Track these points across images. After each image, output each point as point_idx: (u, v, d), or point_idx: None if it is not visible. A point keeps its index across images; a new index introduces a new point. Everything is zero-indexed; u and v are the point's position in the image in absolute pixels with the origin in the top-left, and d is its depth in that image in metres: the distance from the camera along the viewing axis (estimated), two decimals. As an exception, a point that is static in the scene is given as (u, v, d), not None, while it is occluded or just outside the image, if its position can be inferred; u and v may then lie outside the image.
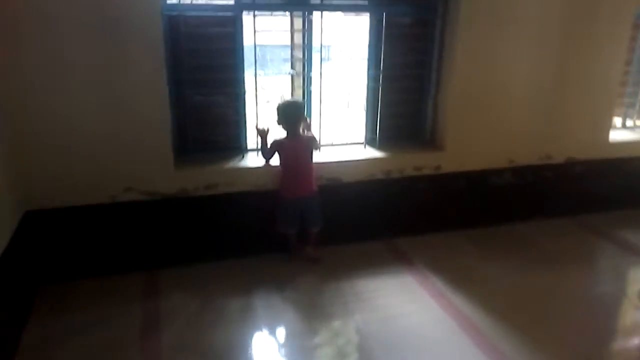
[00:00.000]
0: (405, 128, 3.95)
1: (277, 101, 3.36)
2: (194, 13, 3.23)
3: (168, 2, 3.13)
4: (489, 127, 3.85)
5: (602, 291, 3.40)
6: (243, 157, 3.53)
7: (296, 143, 3.36)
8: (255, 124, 3.42)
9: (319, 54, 3.49)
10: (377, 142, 3.81)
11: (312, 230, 3.54)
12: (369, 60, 3.66)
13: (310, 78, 3.62)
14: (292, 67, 3.94)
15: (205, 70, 3.35)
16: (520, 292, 3.29)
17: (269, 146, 3.38)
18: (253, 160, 3.51)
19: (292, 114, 3.32)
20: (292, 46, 3.86)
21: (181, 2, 3.16)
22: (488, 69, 3.69)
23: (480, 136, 3.85)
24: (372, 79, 3.71)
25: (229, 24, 3.29)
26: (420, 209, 3.93)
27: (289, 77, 3.91)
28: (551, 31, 3.77)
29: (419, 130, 3.98)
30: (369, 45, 3.63)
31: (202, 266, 3.45)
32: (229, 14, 3.28)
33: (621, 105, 4.48)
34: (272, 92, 4.50)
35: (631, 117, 4.61)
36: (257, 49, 3.38)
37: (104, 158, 3.07)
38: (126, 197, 3.19)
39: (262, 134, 3.37)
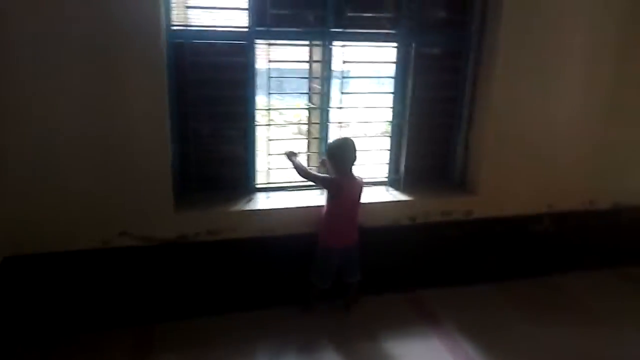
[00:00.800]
0: (433, 169, 3.56)
1: (331, 140, 3.09)
2: (201, 41, 2.92)
3: (173, 28, 2.83)
4: (526, 169, 3.45)
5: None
6: (250, 198, 3.18)
7: (354, 184, 3.02)
8: (285, 150, 3.08)
9: (339, 85, 3.14)
10: (402, 184, 3.43)
11: (351, 281, 3.17)
12: (394, 94, 3.30)
13: (329, 112, 3.27)
14: (310, 99, 3.61)
15: (212, 103, 3.03)
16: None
17: (315, 177, 3.05)
18: (262, 201, 3.15)
19: (346, 152, 2.99)
20: (310, 77, 3.54)
21: (188, 28, 2.85)
22: (527, 105, 3.30)
23: (516, 179, 3.45)
24: (397, 114, 3.35)
25: (240, 53, 2.98)
26: (447, 259, 3.52)
27: (307, 110, 3.58)
28: (600, 64, 3.38)
29: (447, 171, 3.59)
30: (395, 78, 3.27)
31: (202, 321, 3.07)
32: (240, 42, 2.97)
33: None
34: (288, 124, 4.17)
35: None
36: (272, 76, 3.05)
37: (96, 198, 2.75)
38: (120, 242, 2.85)
39: (290, 155, 3.05)
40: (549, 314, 3.33)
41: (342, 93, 3.14)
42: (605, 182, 3.67)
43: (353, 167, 3.03)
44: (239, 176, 3.23)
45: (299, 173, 3.05)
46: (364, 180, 3.11)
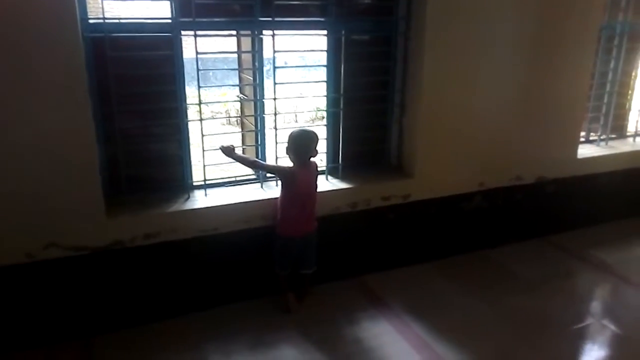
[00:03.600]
0: (370, 155, 3.60)
1: (290, 131, 3.01)
2: (123, 34, 2.75)
3: (90, 21, 2.64)
4: (458, 150, 3.57)
5: (579, 315, 3.19)
6: (188, 197, 3.06)
7: (309, 173, 3.02)
8: (220, 146, 2.96)
9: (272, 75, 3.08)
10: (340, 171, 3.44)
11: (306, 272, 3.17)
12: (327, 82, 3.29)
13: (263, 103, 3.20)
14: (241, 91, 3.52)
15: (139, 100, 2.87)
16: (500, 328, 3.03)
17: (266, 167, 3.07)
18: (201, 200, 3.04)
19: (307, 144, 2.96)
20: (241, 68, 3.45)
21: (107, 21, 2.66)
22: (455, 89, 3.41)
23: (449, 160, 3.56)
24: (332, 102, 3.34)
25: (165, 45, 2.84)
26: (389, 242, 3.59)
27: (239, 102, 3.49)
28: (519, 49, 3.55)
29: (384, 156, 3.64)
30: (327, 66, 3.26)
31: (148, 328, 2.94)
32: (165, 34, 2.82)
33: (585, 119, 4.33)
34: (221, 117, 4.05)
35: (595, 131, 4.48)
36: (201, 68, 2.93)
37: (17, 207, 2.53)
38: (47, 254, 2.65)
39: (229, 151, 2.95)
40: (484, 285, 3.49)
41: (276, 83, 3.07)
42: (529, 158, 3.88)
43: (310, 157, 3.01)
44: (174, 175, 3.09)
45: (246, 166, 2.99)
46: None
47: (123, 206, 2.85)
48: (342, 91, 3.29)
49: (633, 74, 4.55)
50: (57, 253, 2.66)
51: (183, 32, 2.84)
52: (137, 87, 2.84)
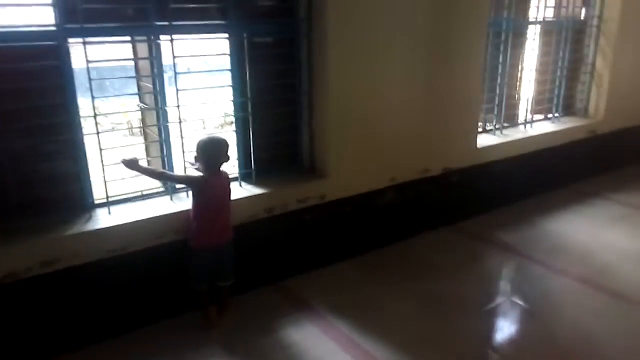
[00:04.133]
0: (282, 159, 3.56)
1: (199, 138, 2.89)
2: (1, 44, 2.48)
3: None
4: (368, 147, 3.64)
5: (491, 295, 3.38)
6: (90, 217, 2.83)
7: (221, 181, 2.90)
8: (123, 159, 2.77)
9: (173, 82, 2.94)
10: (254, 177, 3.36)
11: (225, 285, 3.04)
12: (233, 87, 3.20)
13: (166, 112, 3.05)
14: (142, 100, 3.33)
15: (26, 116, 2.61)
16: (421, 316, 3.13)
17: (174, 178, 2.97)
18: (104, 219, 2.83)
19: (217, 152, 2.86)
20: (139, 76, 3.26)
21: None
22: (361, 88, 3.47)
23: (361, 158, 3.62)
24: (240, 107, 3.26)
25: (51, 55, 2.60)
26: (308, 244, 3.57)
27: (140, 112, 3.30)
28: (418, 45, 3.68)
29: (297, 159, 3.62)
30: (232, 71, 3.17)
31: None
32: (50, 43, 2.59)
33: (481, 111, 4.60)
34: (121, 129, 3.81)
35: (490, 122, 4.78)
36: (93, 78, 2.72)
37: None
38: None
39: (133, 165, 2.77)
40: (402, 276, 3.59)
41: (178, 90, 2.94)
42: (435, 151, 4.06)
43: (222, 166, 2.90)
44: (72, 194, 2.85)
45: (154, 178, 2.84)
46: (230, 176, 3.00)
47: (15, 234, 2.57)
48: (249, 95, 3.22)
49: (520, 67, 4.92)
50: (-63, 294, 2.34)
51: (70, 40, 2.62)
52: (23, 102, 2.59)
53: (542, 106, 5.24)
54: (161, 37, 2.87)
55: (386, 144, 3.72)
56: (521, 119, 5.13)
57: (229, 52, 3.14)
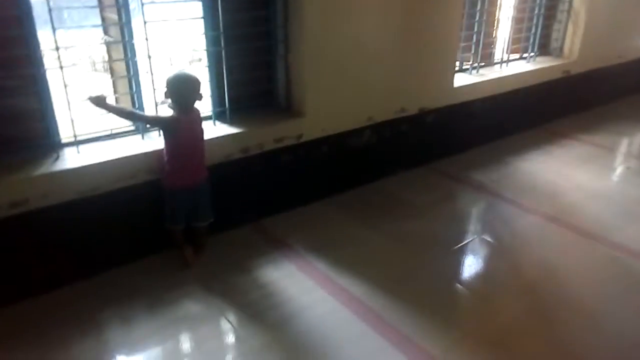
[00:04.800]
0: (257, 96, 3.46)
1: (167, 74, 2.74)
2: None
3: None
4: (346, 85, 3.56)
5: (463, 232, 3.50)
6: (57, 156, 2.72)
7: (192, 120, 2.79)
8: (89, 96, 2.61)
9: (140, 13, 2.75)
10: (228, 116, 3.27)
11: (201, 225, 3.01)
12: (205, 19, 3.03)
13: (133, 45, 2.88)
14: (106, 32, 3.14)
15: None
16: (395, 253, 3.21)
17: (143, 117, 2.83)
18: (73, 158, 2.72)
19: (187, 89, 2.72)
20: (102, 6, 3.05)
21: None
22: (338, 22, 3.34)
23: (338, 97, 3.55)
24: (212, 41, 3.10)
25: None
26: (285, 184, 3.55)
27: (105, 46, 3.11)
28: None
29: (272, 97, 3.52)
30: (202, 1, 2.98)
31: (31, 305, 2.64)
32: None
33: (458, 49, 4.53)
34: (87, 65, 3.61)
35: (467, 61, 4.72)
36: (52, 7, 2.53)
37: None
38: None
39: (100, 102, 2.62)
40: (377, 215, 3.63)
41: (145, 22, 2.76)
42: (412, 90, 4.00)
43: (194, 103, 2.78)
44: (36, 133, 2.72)
45: (122, 117, 2.73)
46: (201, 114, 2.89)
47: (-22, 174, 2.46)
48: (221, 29, 3.06)
49: (498, 3, 4.81)
50: None
51: (25, -37, 2.40)
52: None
53: (518, 45, 5.18)
54: (125, -39, 2.66)
55: (363, 82, 3.65)
56: (497, 58, 5.09)
57: (199, -19, 2.95)
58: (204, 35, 3.08)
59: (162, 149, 2.82)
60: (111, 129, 2.96)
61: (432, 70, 4.08)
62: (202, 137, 2.88)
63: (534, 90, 5.02)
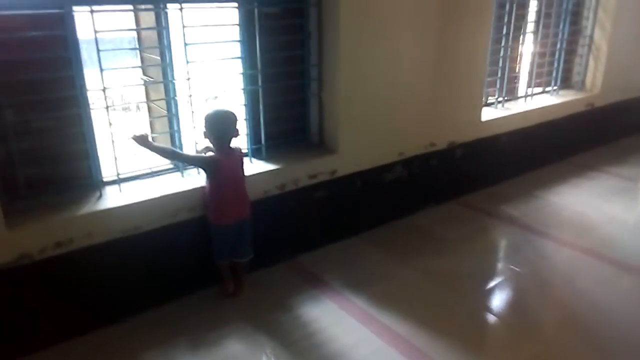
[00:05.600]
0: (291, 133, 3.49)
1: (206, 112, 2.77)
2: (2, 12, 2.33)
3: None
4: (378, 121, 3.58)
5: (497, 266, 3.47)
6: (100, 195, 2.73)
7: (233, 159, 2.81)
8: (133, 135, 2.65)
9: (183, 53, 2.81)
10: (264, 152, 3.28)
11: (243, 261, 3.00)
12: (242, 59, 3.09)
13: (174, 85, 2.93)
14: (145, 73, 3.20)
15: (31, 90, 2.48)
16: (432, 289, 3.15)
17: (186, 157, 2.88)
18: (115, 197, 2.73)
19: (226, 126, 2.76)
20: (141, 48, 3.13)
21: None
22: (371, 59, 3.39)
23: (371, 132, 3.57)
24: (250, 80, 3.15)
25: (56, 24, 2.46)
26: (319, 219, 3.53)
27: (143, 86, 3.17)
28: (427, 15, 3.61)
29: (305, 133, 3.55)
30: (241, 42, 3.05)
31: (74, 344, 2.61)
32: (54, 10, 2.44)
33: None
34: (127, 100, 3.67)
35: (492, 95, 4.75)
36: (101, 49, 2.58)
37: None
38: None
39: (143, 141, 2.65)
40: (411, 250, 3.58)
41: (188, 62, 2.82)
42: (441, 124, 4.02)
43: (232, 141, 2.81)
44: (80, 172, 2.75)
45: (164, 156, 2.76)
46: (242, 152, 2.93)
47: (25, 213, 2.47)
48: (259, 68, 3.11)
49: (521, 39, 4.88)
50: (-53, 278, 2.24)
51: (75, 8, 2.47)
52: (27, 74, 2.45)
53: (541, 79, 5.23)
54: (169, 5, 2.73)
55: (394, 118, 3.67)
56: (520, 92, 5.12)
57: (238, 22, 3.02)
58: (242, 75, 3.13)
59: (205, 187, 2.83)
60: (151, 168, 2.98)
61: (461, 104, 4.10)
62: (244, 176, 2.89)
63: (559, 124, 5.03)
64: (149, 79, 3.13)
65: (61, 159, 2.68)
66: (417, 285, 3.18)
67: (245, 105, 3.18)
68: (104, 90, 2.65)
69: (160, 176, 3.00)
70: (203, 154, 2.86)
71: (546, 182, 4.78)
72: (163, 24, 2.76)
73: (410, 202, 4.08)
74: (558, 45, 5.14)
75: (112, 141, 2.72)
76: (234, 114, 2.81)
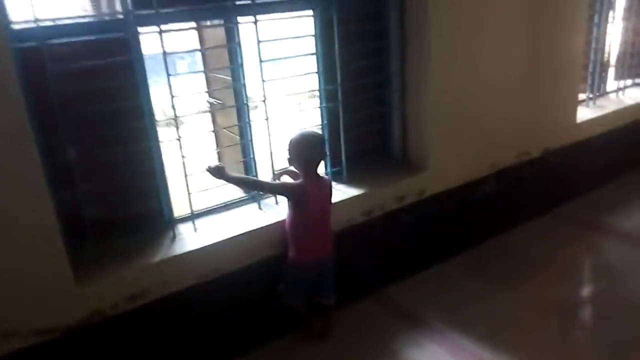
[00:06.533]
0: (371, 151, 3.12)
1: (290, 135, 2.46)
2: (62, 40, 2.07)
3: (17, 27, 1.94)
4: (467, 131, 3.16)
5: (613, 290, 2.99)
6: (174, 236, 2.43)
7: (322, 187, 2.48)
8: (207, 167, 2.36)
9: (258, 71, 2.49)
10: (345, 175, 2.93)
11: (326, 303, 2.66)
12: (319, 74, 2.74)
13: (247, 107, 2.61)
14: (211, 95, 2.91)
15: (93, 123, 2.21)
16: (547, 323, 2.72)
17: (270, 187, 2.54)
18: (191, 237, 2.42)
19: (314, 148, 2.42)
20: (206, 68, 2.84)
21: (38, 24, 1.97)
22: (462, 64, 2.99)
23: (462, 144, 3.15)
24: (329, 97, 2.80)
25: (119, 49, 2.18)
26: (406, 246, 3.14)
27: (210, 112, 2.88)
28: (520, 13, 3.18)
29: (385, 150, 3.17)
30: (318, 54, 2.70)
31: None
32: (117, 34, 2.16)
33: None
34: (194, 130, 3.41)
35: (583, 92, 4.24)
36: (171, 73, 2.29)
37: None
38: (7, 348, 1.96)
39: (220, 173, 2.35)
40: (510, 274, 3.16)
41: (264, 81, 2.50)
42: (534, 130, 3.56)
43: (319, 166, 2.48)
44: (150, 210, 2.47)
45: (245, 188, 2.50)
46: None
47: (94, 264, 2.19)
48: (339, 81, 2.76)
49: (610, 30, 4.35)
50: (20, 343, 1.98)
51: (140, 29, 2.19)
52: (89, 106, 2.17)
53: (632, 70, 4.65)
54: (241, 18, 2.42)
55: (487, 126, 3.24)
56: (609, 87, 4.58)
57: (313, 33, 2.68)
58: (319, 92, 2.78)
59: (286, 220, 2.49)
60: (225, 202, 2.67)
61: (555, 104, 3.62)
62: (331, 206, 2.54)
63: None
64: (217, 101, 2.83)
65: (130, 198, 2.41)
66: (530, 320, 2.76)
67: (323, 125, 2.83)
68: (175, 119, 2.35)
69: (236, 209, 2.68)
70: (291, 182, 2.53)
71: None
72: (236, 39, 2.44)
73: (502, 219, 3.62)
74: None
75: (186, 175, 2.42)
76: (321, 135, 2.48)
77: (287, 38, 2.62)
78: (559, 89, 3.61)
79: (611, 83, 4.57)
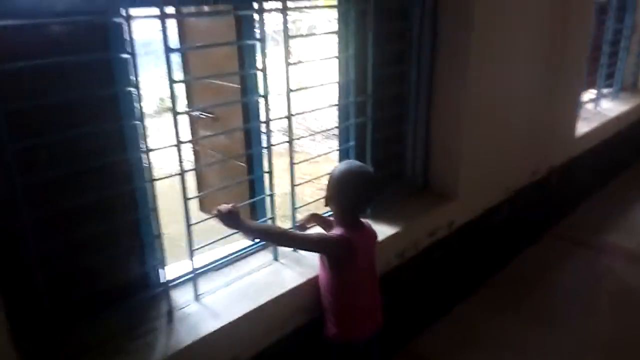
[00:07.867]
0: (390, 176, 2.57)
1: (334, 168, 1.83)
2: (15, 21, 1.28)
3: None
4: (490, 155, 2.76)
5: None
6: (171, 314, 1.69)
7: (366, 239, 1.86)
8: (217, 212, 1.67)
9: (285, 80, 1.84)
10: (369, 209, 2.34)
11: None
12: (349, 81, 2.14)
13: (267, 128, 1.94)
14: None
15: (59, 155, 1.44)
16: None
17: (304, 240, 1.83)
18: (194, 316, 1.70)
19: (366, 188, 1.81)
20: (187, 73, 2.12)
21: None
22: (495, 79, 2.60)
23: (484, 167, 2.73)
24: (357, 110, 2.20)
25: (97, 40, 1.43)
26: (436, 288, 2.66)
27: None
28: (539, 36, 2.87)
29: (404, 176, 2.64)
30: (349, 57, 2.10)
31: None
32: (94, 16, 1.41)
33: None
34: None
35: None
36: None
37: None
38: None
39: (234, 221, 1.67)
40: (539, 307, 2.88)
41: (290, 91, 1.85)
42: (542, 148, 3.25)
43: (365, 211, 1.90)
44: (133, 279, 1.71)
45: (271, 241, 1.88)
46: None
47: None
48: (369, 92, 2.18)
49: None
50: None
51: (133, 11, 1.46)
52: (51, 130, 1.40)
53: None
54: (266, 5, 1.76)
55: (503, 146, 2.86)
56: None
57: (338, 33, 2.08)
58: (347, 105, 2.19)
59: (323, 283, 1.85)
60: (231, 254, 1.98)
61: (559, 119, 3.35)
62: (376, 263, 1.94)
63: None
64: (206, 115, 2.12)
65: (105, 260, 1.63)
66: (564, 351, 2.50)
67: (350, 146, 2.23)
68: (178, 144, 1.63)
69: (243, 261, 2.00)
70: (330, 234, 1.86)
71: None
72: (253, 32, 1.78)
73: (511, 245, 3.28)
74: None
75: (189, 225, 1.70)
76: (372, 170, 1.91)
77: (313, 34, 2.00)
78: (565, 105, 3.34)
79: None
